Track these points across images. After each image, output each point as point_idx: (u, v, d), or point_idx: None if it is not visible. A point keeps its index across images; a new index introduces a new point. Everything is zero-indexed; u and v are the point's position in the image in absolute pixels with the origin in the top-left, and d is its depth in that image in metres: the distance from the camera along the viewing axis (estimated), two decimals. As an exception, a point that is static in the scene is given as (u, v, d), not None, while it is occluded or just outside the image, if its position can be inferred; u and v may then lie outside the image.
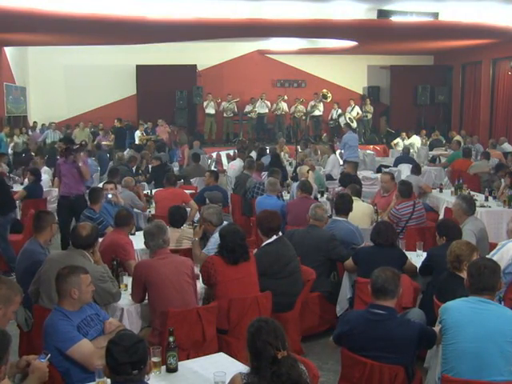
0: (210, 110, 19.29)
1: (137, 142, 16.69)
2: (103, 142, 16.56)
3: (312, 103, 19.71)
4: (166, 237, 4.78)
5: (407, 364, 3.69)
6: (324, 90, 19.82)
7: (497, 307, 3.48)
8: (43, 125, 19.10)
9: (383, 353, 3.66)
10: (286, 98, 19.67)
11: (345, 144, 13.56)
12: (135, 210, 8.06)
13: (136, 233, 6.68)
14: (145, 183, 11.02)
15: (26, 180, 10.19)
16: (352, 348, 3.78)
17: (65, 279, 3.64)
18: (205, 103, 19.27)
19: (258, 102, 19.38)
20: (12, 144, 16.04)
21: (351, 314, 4.18)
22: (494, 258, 4.85)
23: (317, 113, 19.74)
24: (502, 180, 9.03)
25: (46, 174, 10.87)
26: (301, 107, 19.57)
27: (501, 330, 3.37)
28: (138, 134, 17.47)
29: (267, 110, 19.55)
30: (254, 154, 12.87)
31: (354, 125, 18.77)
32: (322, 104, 19.73)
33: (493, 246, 5.49)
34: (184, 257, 4.94)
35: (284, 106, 19.58)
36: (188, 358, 3.95)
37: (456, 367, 3.43)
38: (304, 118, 19.76)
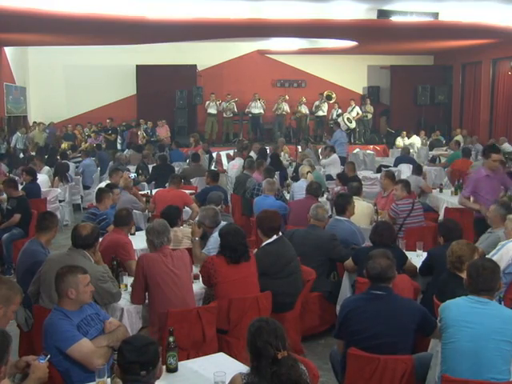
0: (212, 110, 19.26)
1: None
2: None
3: (317, 103, 19.71)
4: (170, 235, 4.87)
5: (407, 345, 3.74)
6: (328, 91, 19.83)
7: (495, 307, 3.50)
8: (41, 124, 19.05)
9: (384, 328, 3.71)
10: (287, 97, 19.64)
11: (336, 141, 14.34)
12: (135, 211, 8.03)
13: (136, 233, 6.68)
14: (145, 183, 11.02)
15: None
16: (353, 332, 3.80)
17: (62, 279, 3.65)
18: (207, 103, 19.22)
19: (252, 103, 19.31)
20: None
21: (346, 300, 4.22)
22: (494, 259, 4.85)
23: (320, 113, 19.75)
24: None
25: (45, 174, 10.85)
26: (303, 108, 19.55)
27: (498, 330, 3.40)
28: (138, 133, 17.46)
29: (262, 111, 19.41)
30: (253, 154, 12.84)
31: (353, 125, 18.81)
32: (326, 104, 19.74)
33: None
34: (182, 250, 4.96)
35: (285, 106, 19.52)
36: (188, 358, 3.96)
37: (455, 366, 3.46)
38: (304, 118, 19.75)
